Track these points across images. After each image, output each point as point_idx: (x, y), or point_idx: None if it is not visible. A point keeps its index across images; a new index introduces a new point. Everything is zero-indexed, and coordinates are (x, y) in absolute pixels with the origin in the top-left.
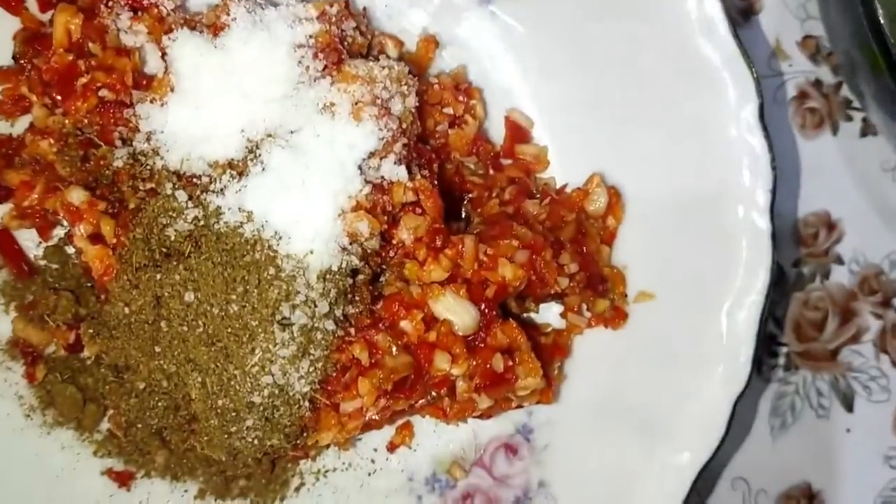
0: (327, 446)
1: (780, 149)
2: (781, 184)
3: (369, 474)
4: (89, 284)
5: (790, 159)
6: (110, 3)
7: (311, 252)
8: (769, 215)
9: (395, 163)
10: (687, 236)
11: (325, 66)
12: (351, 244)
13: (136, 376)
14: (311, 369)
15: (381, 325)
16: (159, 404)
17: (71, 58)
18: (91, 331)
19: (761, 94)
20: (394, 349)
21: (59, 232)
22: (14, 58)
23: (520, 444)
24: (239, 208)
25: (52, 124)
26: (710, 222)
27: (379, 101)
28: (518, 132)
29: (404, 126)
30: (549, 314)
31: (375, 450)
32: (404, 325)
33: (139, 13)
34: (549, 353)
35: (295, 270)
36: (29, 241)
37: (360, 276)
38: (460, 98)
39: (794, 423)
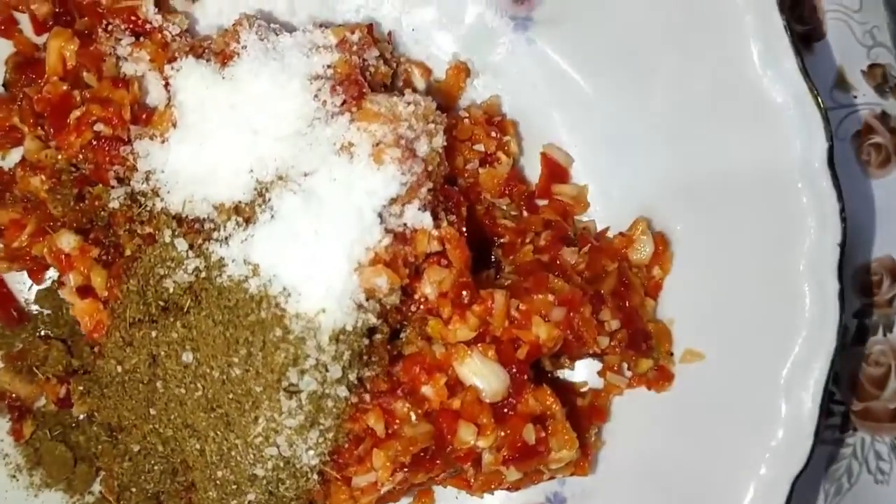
0: None
1: (843, 190)
2: None
3: None
4: (84, 333)
5: (854, 201)
6: (110, 28)
7: (324, 311)
8: (837, 272)
9: (418, 209)
10: (742, 290)
11: (344, 101)
12: (367, 300)
13: (131, 438)
14: (320, 440)
15: (399, 390)
16: (155, 468)
17: (65, 87)
18: (81, 388)
19: (831, 137)
20: (413, 417)
21: (52, 274)
22: (4, 85)
23: None
24: (244, 260)
25: (45, 159)
26: (770, 276)
27: (403, 142)
28: (555, 170)
29: (430, 168)
30: (586, 371)
31: None
32: (426, 390)
33: (141, 39)
34: (586, 416)
35: (304, 331)
36: (20, 283)
37: (378, 336)
38: (493, 133)
39: (850, 490)
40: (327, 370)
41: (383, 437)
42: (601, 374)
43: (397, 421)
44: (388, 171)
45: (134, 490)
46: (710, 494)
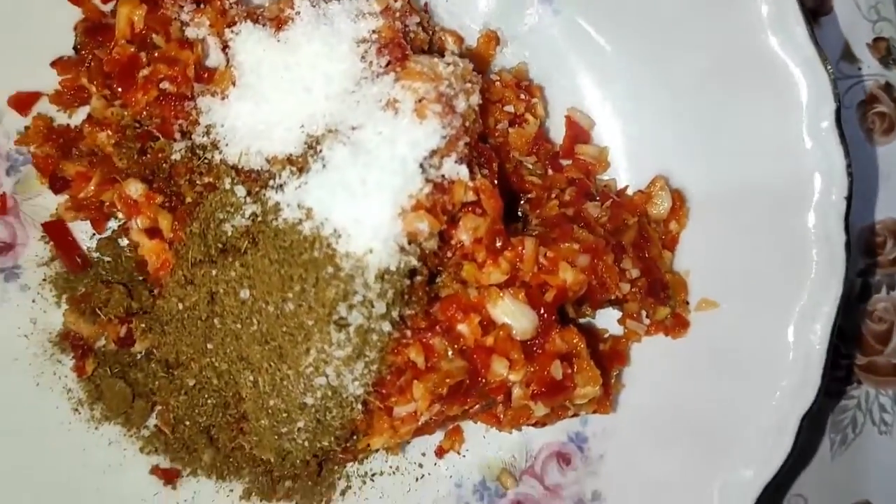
0: (377, 450)
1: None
2: None
3: (416, 479)
4: (141, 278)
5: (858, 165)
6: None
7: (371, 251)
8: (844, 224)
9: (456, 161)
10: (754, 243)
11: (389, 63)
12: (409, 244)
13: (187, 373)
14: (365, 371)
15: (437, 328)
16: (209, 402)
17: (133, 49)
18: (143, 325)
19: (838, 98)
20: (450, 353)
21: (112, 224)
22: (75, 48)
23: (573, 454)
24: (298, 205)
25: (111, 116)
26: (780, 229)
27: (443, 99)
28: (578, 132)
29: (467, 124)
30: (607, 319)
31: (423, 454)
32: (461, 328)
33: (202, 5)
34: (608, 360)
35: (353, 270)
36: (83, 233)
37: (418, 278)
38: (521, 96)
39: (855, 439)
40: (373, 306)
41: (423, 369)
42: (621, 321)
43: (435, 356)
44: (430, 125)
45: (188, 423)
46: (724, 432)
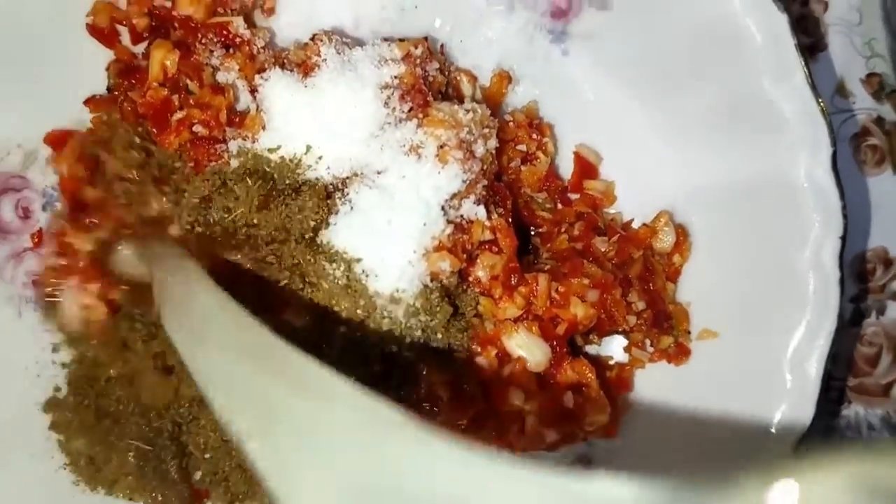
0: None
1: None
2: None
3: None
4: None
5: (851, 196)
6: (204, 41)
7: (398, 290)
8: (838, 262)
9: (474, 203)
10: (752, 277)
11: (411, 108)
12: (432, 282)
13: None
14: None
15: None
16: None
17: (165, 93)
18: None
19: (835, 143)
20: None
21: None
22: (108, 89)
23: None
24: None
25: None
26: (777, 265)
27: (464, 145)
28: (587, 167)
29: (485, 167)
30: (611, 347)
31: None
32: (479, 360)
33: (231, 49)
34: (613, 387)
35: (383, 308)
36: None
37: (438, 315)
38: (533, 135)
39: None
40: (405, 340)
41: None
42: (627, 349)
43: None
44: (452, 170)
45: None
46: (723, 454)
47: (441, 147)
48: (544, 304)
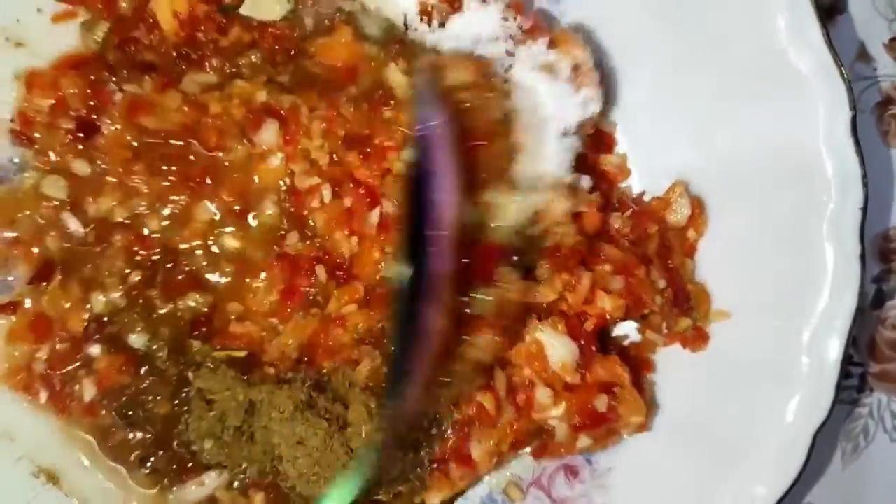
0: None
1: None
2: None
3: None
4: None
5: (873, 169)
6: None
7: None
8: (859, 235)
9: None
10: (769, 253)
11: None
12: None
13: None
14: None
15: None
16: None
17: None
18: None
19: (854, 106)
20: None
21: None
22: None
23: (581, 466)
24: None
25: None
26: (795, 240)
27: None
28: (604, 141)
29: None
30: (623, 327)
31: None
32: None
33: None
34: (638, 369)
35: None
36: None
37: None
38: None
39: (866, 448)
40: None
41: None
42: (640, 331)
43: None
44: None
45: None
46: (736, 445)
47: (575, 68)
48: (580, 302)
